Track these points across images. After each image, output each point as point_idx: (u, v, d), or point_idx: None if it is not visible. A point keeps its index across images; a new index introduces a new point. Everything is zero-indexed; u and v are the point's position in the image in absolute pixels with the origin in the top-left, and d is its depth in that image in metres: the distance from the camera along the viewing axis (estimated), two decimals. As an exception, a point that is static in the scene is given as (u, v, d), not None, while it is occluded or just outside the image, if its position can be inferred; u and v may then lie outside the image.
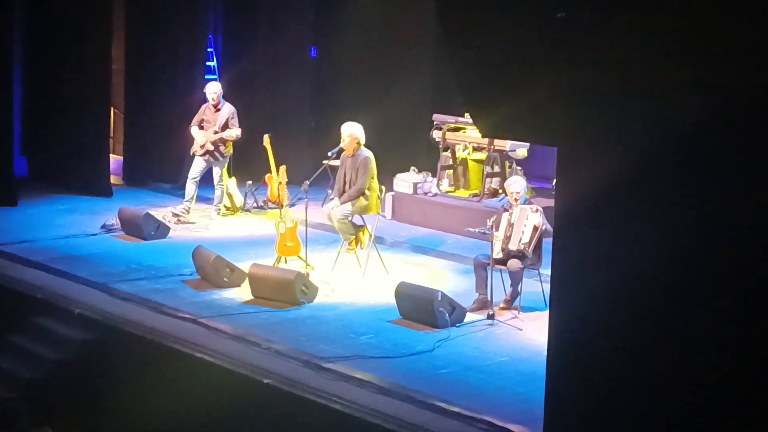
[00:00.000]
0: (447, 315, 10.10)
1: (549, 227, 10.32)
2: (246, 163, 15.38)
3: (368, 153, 11.98)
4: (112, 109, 16.62)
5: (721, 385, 5.86)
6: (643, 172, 6.03)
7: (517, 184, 10.96)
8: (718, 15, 5.46)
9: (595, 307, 6.34)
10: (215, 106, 14.08)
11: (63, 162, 15.87)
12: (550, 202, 11.53)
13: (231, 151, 14.18)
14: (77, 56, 15.57)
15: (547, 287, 8.92)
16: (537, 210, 10.58)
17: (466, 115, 13.29)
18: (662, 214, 5.99)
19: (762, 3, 5.35)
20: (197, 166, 14.07)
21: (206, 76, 16.49)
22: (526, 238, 10.56)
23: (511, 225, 10.67)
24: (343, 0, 16.76)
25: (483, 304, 10.55)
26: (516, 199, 10.78)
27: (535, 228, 10.54)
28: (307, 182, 11.98)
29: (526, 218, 10.58)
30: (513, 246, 10.61)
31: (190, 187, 14.07)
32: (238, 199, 14.68)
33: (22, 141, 16.50)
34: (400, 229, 14.05)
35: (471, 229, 11.43)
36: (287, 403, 8.81)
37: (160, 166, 16.32)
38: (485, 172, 14.01)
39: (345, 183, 12.05)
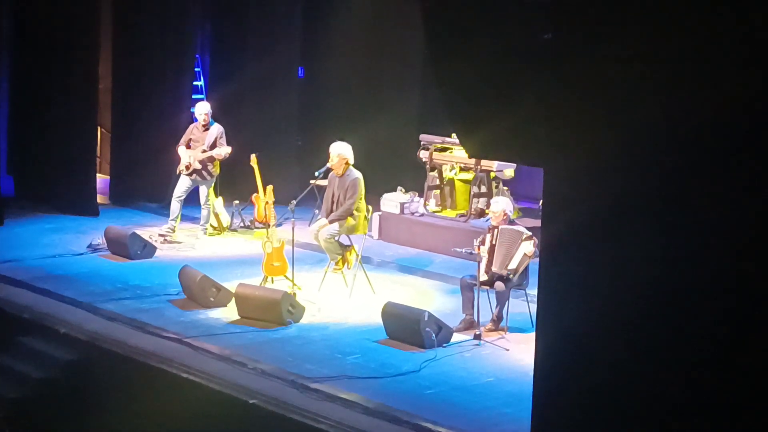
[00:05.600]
0: (434, 335, 10.09)
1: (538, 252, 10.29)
2: (233, 183, 15.37)
3: (358, 174, 11.99)
4: (99, 128, 16.62)
5: (710, 401, 5.86)
6: (629, 194, 6.04)
7: (497, 204, 10.98)
8: (701, 40, 5.48)
9: (581, 328, 6.34)
10: (204, 126, 14.08)
11: (50, 181, 15.83)
12: (537, 223, 11.53)
13: (218, 170, 14.18)
14: (64, 75, 15.53)
15: (533, 308, 8.92)
16: (531, 238, 10.51)
17: (453, 135, 13.31)
18: (649, 235, 6.00)
19: (749, 38, 5.37)
20: (182, 185, 14.05)
21: (193, 96, 16.51)
22: (513, 265, 10.53)
23: (492, 246, 10.66)
24: (330, 20, 16.79)
25: (470, 325, 10.55)
26: (494, 219, 10.79)
27: (526, 256, 10.52)
28: (294, 202, 11.97)
29: (517, 245, 10.55)
30: (496, 268, 10.60)
31: (175, 206, 14.05)
32: (225, 219, 14.66)
33: (8, 160, 16.49)
34: (387, 248, 14.05)
35: (458, 249, 11.42)
36: (273, 423, 8.78)
37: (146, 185, 16.31)
38: (472, 193, 14.03)
39: (333, 203, 12.05)
